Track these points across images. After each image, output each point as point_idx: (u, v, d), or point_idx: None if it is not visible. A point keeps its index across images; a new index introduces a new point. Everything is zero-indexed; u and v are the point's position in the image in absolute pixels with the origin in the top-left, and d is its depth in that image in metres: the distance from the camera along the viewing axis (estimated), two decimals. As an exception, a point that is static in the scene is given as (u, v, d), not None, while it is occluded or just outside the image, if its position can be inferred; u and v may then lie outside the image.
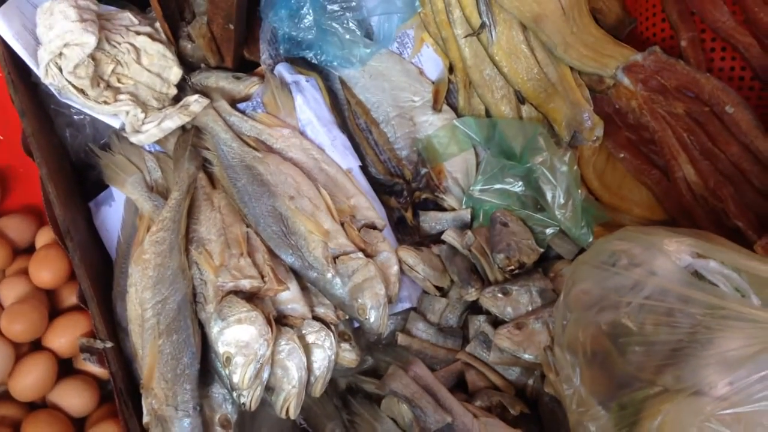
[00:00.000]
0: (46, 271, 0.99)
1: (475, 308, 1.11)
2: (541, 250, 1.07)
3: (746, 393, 0.67)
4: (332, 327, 1.00)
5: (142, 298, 0.97)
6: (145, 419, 0.90)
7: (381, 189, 1.19)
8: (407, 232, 1.18)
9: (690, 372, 0.72)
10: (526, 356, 0.98)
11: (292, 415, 0.94)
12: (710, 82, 1.05)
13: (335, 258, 1.00)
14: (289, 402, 0.94)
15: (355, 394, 1.06)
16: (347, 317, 1.03)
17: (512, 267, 1.04)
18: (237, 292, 0.95)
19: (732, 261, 0.76)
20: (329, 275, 0.99)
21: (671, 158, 1.04)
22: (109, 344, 0.95)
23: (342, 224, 1.04)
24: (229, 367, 0.90)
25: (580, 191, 1.04)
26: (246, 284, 0.95)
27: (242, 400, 0.91)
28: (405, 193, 1.19)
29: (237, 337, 0.90)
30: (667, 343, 0.74)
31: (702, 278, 0.78)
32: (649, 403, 0.75)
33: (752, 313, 0.71)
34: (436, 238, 1.15)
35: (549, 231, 1.08)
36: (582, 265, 0.89)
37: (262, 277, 0.97)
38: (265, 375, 0.92)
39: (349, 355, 1.01)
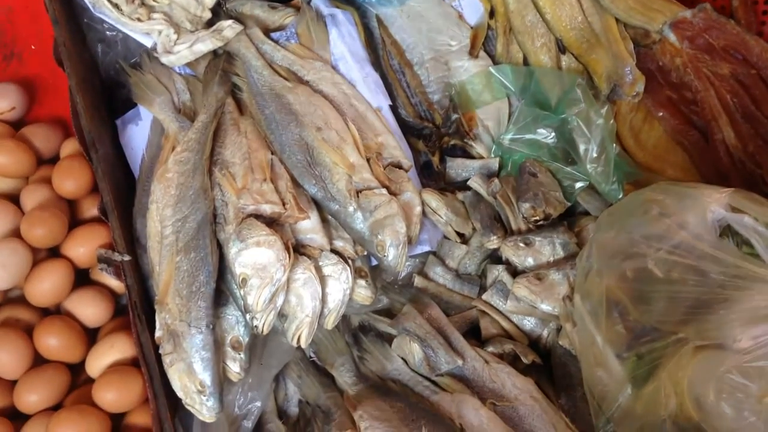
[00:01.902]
0: (69, 180, 0.99)
1: (494, 258, 1.09)
2: (568, 203, 1.05)
3: (770, 348, 0.66)
4: (350, 262, 0.99)
5: (162, 215, 0.96)
6: (158, 333, 0.90)
7: (409, 132, 1.17)
8: (432, 178, 1.16)
9: (714, 325, 0.70)
10: (544, 307, 0.96)
11: (303, 343, 0.94)
12: (760, 45, 1.01)
13: (358, 192, 0.98)
14: (301, 330, 0.93)
15: (367, 333, 1.06)
16: (365, 254, 1.02)
17: (537, 218, 1.02)
18: (257, 216, 0.94)
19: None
20: (351, 208, 0.97)
21: (712, 119, 1.01)
22: (126, 257, 0.95)
23: (368, 160, 1.03)
24: (245, 288, 0.89)
25: (614, 145, 1.01)
26: (267, 209, 0.94)
27: (255, 323, 0.90)
28: (433, 138, 1.17)
29: (254, 259, 0.89)
30: (692, 296, 0.72)
31: (735, 233, 0.76)
32: (669, 353, 0.74)
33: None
34: (462, 186, 1.13)
35: (578, 185, 1.05)
36: (611, 213, 0.87)
37: (284, 204, 0.95)
38: (280, 300, 0.91)
39: (365, 292, 1.01)
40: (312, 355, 1.07)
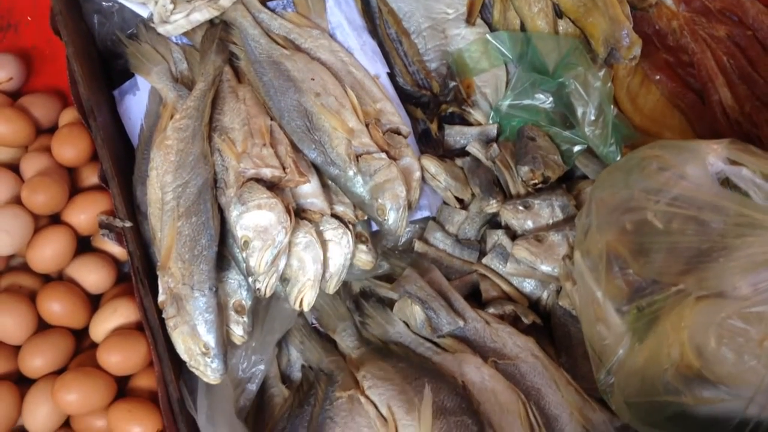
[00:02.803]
0: (69, 147, 0.99)
1: (493, 223, 1.10)
2: (567, 167, 1.06)
3: (770, 293, 0.67)
4: (350, 227, 0.99)
5: (163, 181, 0.96)
6: (161, 298, 0.91)
7: (407, 100, 1.17)
8: (431, 145, 1.16)
9: (714, 275, 0.71)
10: (544, 268, 0.97)
11: (306, 307, 0.94)
12: (755, 6, 1.02)
13: (358, 156, 0.99)
14: (303, 294, 0.94)
15: (368, 298, 1.06)
16: (366, 218, 1.03)
17: (536, 181, 1.03)
18: (258, 180, 0.94)
19: (766, 169, 0.74)
20: (351, 172, 0.98)
21: (708, 81, 1.02)
22: (128, 223, 0.95)
23: (366, 126, 1.03)
24: (247, 251, 0.89)
25: (612, 108, 1.02)
26: (267, 173, 0.94)
27: (257, 285, 0.91)
28: (431, 106, 1.18)
29: (256, 221, 0.90)
30: (692, 245, 0.73)
31: (733, 186, 0.76)
32: (669, 304, 0.75)
33: (780, 219, 0.69)
34: (460, 153, 1.13)
35: (576, 148, 1.06)
36: (609, 172, 0.88)
37: (284, 168, 0.96)
38: (282, 263, 0.92)
39: (366, 257, 1.01)
40: (314, 321, 1.07)
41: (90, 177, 1.02)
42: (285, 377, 1.04)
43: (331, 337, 1.04)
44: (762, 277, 0.67)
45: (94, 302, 0.95)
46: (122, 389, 0.89)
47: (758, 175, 0.75)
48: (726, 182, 0.77)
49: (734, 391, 0.68)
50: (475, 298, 1.04)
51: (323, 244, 0.96)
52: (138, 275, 0.93)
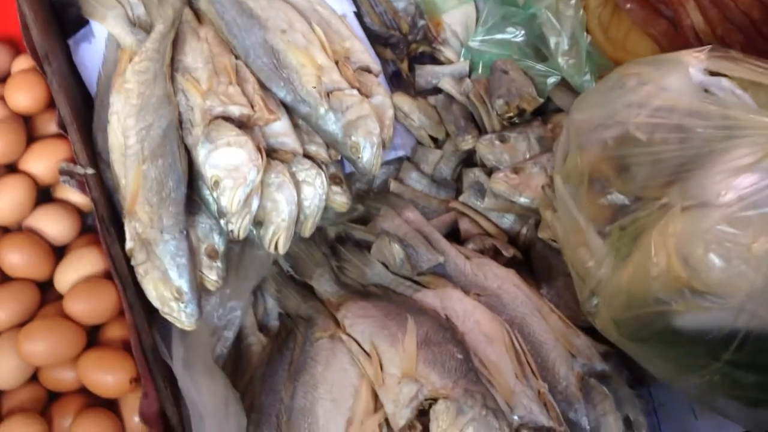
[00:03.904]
0: (23, 94, 0.93)
1: (469, 162, 1.08)
2: (541, 99, 1.04)
3: (756, 197, 0.65)
4: (324, 167, 0.96)
5: (124, 125, 0.92)
6: (129, 245, 0.87)
7: (376, 41, 1.14)
8: (402, 87, 1.14)
9: (698, 184, 0.70)
10: (522, 200, 0.96)
11: (281, 249, 0.91)
12: (725, -71, 1.00)
13: (328, 93, 0.95)
14: (278, 236, 0.91)
15: (344, 242, 1.04)
16: (339, 159, 1.00)
17: (511, 114, 1.01)
18: (225, 119, 0.90)
19: (746, 76, 0.73)
20: (322, 110, 0.94)
21: (679, 6, 1.00)
22: (90, 170, 0.90)
23: (336, 63, 1.00)
24: (217, 190, 0.86)
25: (585, 35, 1.00)
26: (235, 110, 0.90)
27: (230, 227, 0.87)
28: (401, 46, 1.15)
29: (226, 160, 0.86)
30: (675, 157, 0.72)
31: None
32: (653, 220, 0.73)
33: (760, 121, 0.68)
34: (433, 93, 1.11)
35: (551, 80, 1.04)
36: (586, 94, 0.87)
37: (252, 106, 0.92)
38: (255, 204, 0.88)
39: (340, 199, 0.98)
40: (289, 269, 1.04)
41: (47, 125, 0.96)
42: (262, 326, 1.01)
43: (308, 284, 1.01)
44: (747, 181, 0.66)
45: (58, 254, 0.91)
46: (93, 340, 0.85)
47: (737, 85, 0.74)
48: (707, 93, 0.76)
49: (723, 300, 0.67)
50: (453, 237, 1.02)
51: (297, 185, 0.93)
52: (103, 223, 0.88)
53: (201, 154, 0.88)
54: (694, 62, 0.73)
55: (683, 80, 0.73)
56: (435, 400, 0.74)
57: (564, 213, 0.84)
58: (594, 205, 0.80)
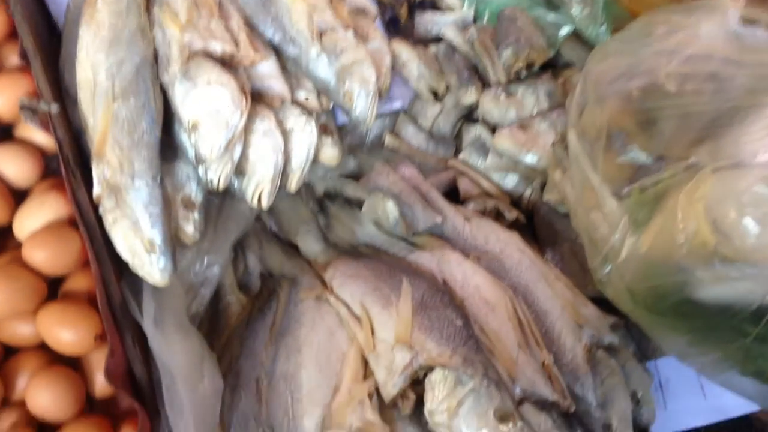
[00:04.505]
0: (-20, 21, 0.84)
1: (470, 119, 1.00)
2: (552, 52, 0.96)
3: (798, 156, 0.59)
4: (314, 116, 0.88)
5: (94, 60, 0.83)
6: (96, 190, 0.78)
7: (373, -17, 1.05)
8: (400, 35, 1.05)
9: (731, 142, 0.63)
10: (528, 159, 0.89)
11: (265, 203, 0.84)
12: None
13: (321, 34, 0.87)
14: (261, 188, 0.83)
15: (334, 199, 0.96)
16: (331, 107, 0.92)
17: (519, 66, 0.93)
18: (206, 56, 0.82)
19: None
20: (314, 51, 0.86)
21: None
22: (54, 107, 0.82)
23: (329, 1, 0.91)
24: (196, 134, 0.78)
25: (603, -19, 0.92)
26: (217, 47, 0.82)
27: (209, 176, 0.80)
28: (400, -10, 1.06)
29: (205, 100, 0.78)
30: (708, 111, 0.65)
31: (749, 48, 0.68)
32: (677, 181, 0.67)
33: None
34: (433, 42, 1.03)
35: (562, 32, 0.96)
36: (606, 44, 0.79)
37: (236, 43, 0.84)
38: (237, 152, 0.81)
39: (331, 151, 0.90)
40: (273, 226, 0.97)
41: (9, 57, 0.87)
42: (242, 285, 0.93)
43: (293, 242, 0.94)
44: (788, 139, 0.59)
45: (18, 198, 0.82)
46: (54, 294, 0.77)
47: (777, 35, 0.67)
48: (741, 45, 0.69)
49: (756, 269, 0.60)
50: (452, 197, 0.95)
51: (284, 134, 0.85)
52: (69, 165, 0.80)
53: (178, 93, 0.79)
54: (731, 8, 0.66)
55: (719, 27, 0.66)
56: (431, 368, 0.68)
57: (576, 173, 0.77)
58: (611, 164, 0.73)
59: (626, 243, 0.70)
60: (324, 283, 0.83)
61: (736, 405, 0.86)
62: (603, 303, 0.81)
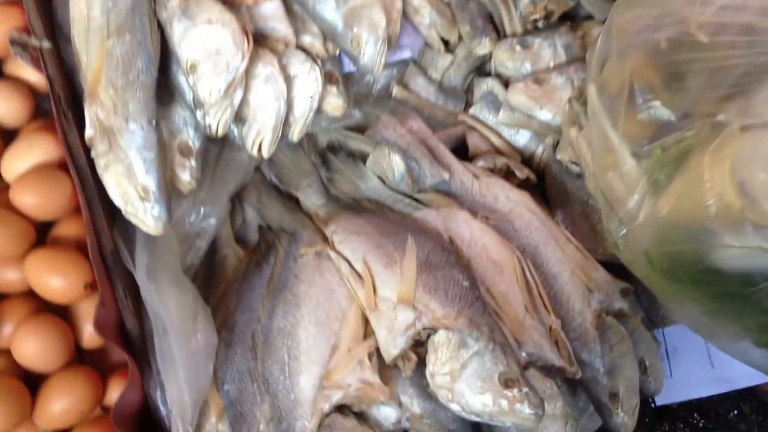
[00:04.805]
0: (-33, -53, 0.79)
1: (482, 72, 0.96)
2: (572, 2, 0.91)
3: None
4: (319, 62, 0.84)
5: (88, -5, 0.78)
6: (89, 132, 0.74)
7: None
8: (411, -20, 1.00)
9: (763, 100, 0.59)
10: (543, 115, 0.85)
11: (265, 153, 0.80)
12: None
13: (328, -27, 0.82)
14: (262, 137, 0.79)
15: (337, 152, 0.92)
16: (337, 54, 0.87)
17: (537, 16, 0.88)
18: (207, -5, 0.77)
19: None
20: (321, -8, 0.81)
21: None
22: (46, 43, 0.77)
23: (338, -59, 0.86)
24: (194, 76, 0.73)
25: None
26: (219, -17, 0.77)
27: (208, 121, 0.76)
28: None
29: (205, 40, 0.74)
30: (741, 65, 0.61)
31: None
32: (702, 140, 0.63)
33: None
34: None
35: (583, -19, 0.91)
36: (634, -8, 0.74)
37: (239, -20, 0.79)
38: (237, 97, 0.76)
39: (336, 101, 0.86)
40: (273, 178, 0.93)
41: (-2, -11, 0.82)
42: (239, 238, 0.90)
43: (294, 196, 0.90)
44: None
45: (6, 138, 0.78)
46: (42, 239, 0.74)
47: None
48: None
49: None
50: (460, 154, 0.91)
51: (287, 80, 0.80)
52: (60, 105, 0.76)
53: (176, 31, 0.75)
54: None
55: (759, -25, 0.61)
56: (434, 330, 0.65)
57: (594, 130, 0.73)
58: (632, 121, 0.69)
59: (645, 205, 0.67)
60: (325, 239, 0.80)
61: (744, 376, 0.83)
62: (612, 268, 0.78)
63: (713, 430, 0.94)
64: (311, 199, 0.88)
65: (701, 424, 0.94)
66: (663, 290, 0.68)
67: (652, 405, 0.88)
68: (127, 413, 0.70)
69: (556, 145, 0.87)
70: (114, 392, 0.71)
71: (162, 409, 0.71)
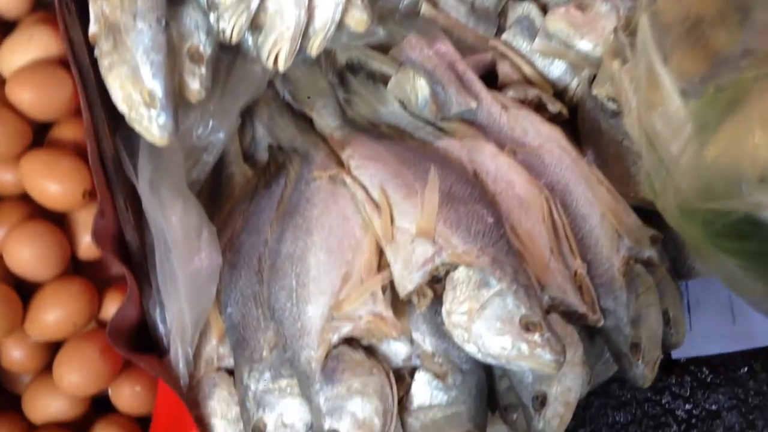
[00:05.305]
0: None
1: None
2: None
3: None
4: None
5: None
6: (92, 29, 0.68)
7: None
8: None
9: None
10: (583, 44, 0.79)
11: (281, 65, 0.74)
12: None
13: None
14: (279, 47, 0.73)
15: (356, 72, 0.87)
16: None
17: (585, -66, 0.81)
18: None
19: None
20: None
21: None
22: (48, -74, 0.71)
23: None
24: (209, -26, 0.67)
25: None
26: None
27: (222, 25, 0.70)
28: None
29: (223, -67, 0.67)
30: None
31: None
32: (761, 85, 0.57)
33: None
34: None
35: None
36: None
37: None
38: (254, 1, 0.70)
39: (359, 15, 0.79)
40: (286, 95, 0.88)
41: None
42: (248, 157, 0.85)
43: (308, 115, 0.85)
44: None
45: (4, 30, 0.73)
46: (39, 141, 0.69)
47: None
48: None
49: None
50: (489, 82, 0.85)
51: (308, -10, 0.74)
52: (62, -3, 0.70)
53: (192, -75, 0.68)
54: None
55: None
56: (454, 266, 0.61)
57: (642, 65, 0.67)
58: (686, 57, 0.63)
59: (688, 150, 0.62)
60: (339, 163, 0.75)
61: (764, 334, 0.81)
62: (640, 213, 0.74)
63: (720, 386, 0.92)
64: (326, 120, 0.83)
65: (709, 379, 0.92)
66: (697, 241, 0.64)
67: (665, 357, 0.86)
68: (124, 329, 0.67)
69: (592, 80, 0.82)
70: (110, 307, 0.68)
71: (161, 327, 0.68)
